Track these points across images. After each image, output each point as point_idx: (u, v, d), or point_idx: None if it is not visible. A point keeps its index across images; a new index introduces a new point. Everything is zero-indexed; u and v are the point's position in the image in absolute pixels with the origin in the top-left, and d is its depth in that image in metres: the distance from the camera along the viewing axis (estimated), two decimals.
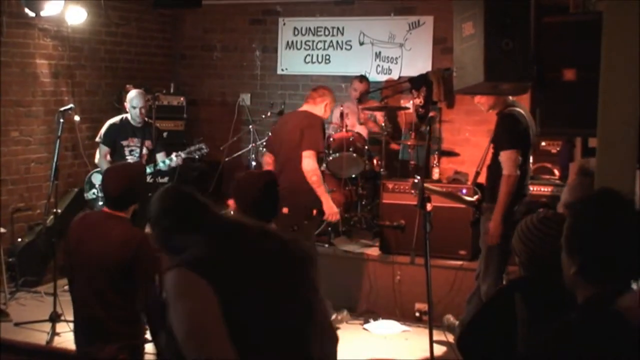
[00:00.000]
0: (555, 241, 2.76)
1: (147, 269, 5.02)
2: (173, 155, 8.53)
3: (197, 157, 8.80)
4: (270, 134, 8.62)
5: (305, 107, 7.85)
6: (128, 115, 8.75)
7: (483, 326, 3.72)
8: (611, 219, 2.59)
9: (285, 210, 7.35)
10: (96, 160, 8.80)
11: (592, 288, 2.56)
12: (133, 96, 8.71)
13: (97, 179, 8.63)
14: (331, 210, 7.60)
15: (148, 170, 8.47)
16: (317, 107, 7.77)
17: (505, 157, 6.84)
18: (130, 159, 8.56)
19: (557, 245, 2.72)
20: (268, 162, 7.94)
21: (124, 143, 8.68)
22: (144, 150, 8.71)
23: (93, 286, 5.11)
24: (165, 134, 9.92)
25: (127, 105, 8.73)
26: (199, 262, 3.06)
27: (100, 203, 8.53)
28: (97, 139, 8.85)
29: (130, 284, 5.01)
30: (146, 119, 8.75)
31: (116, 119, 8.82)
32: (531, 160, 8.57)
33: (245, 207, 4.92)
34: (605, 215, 2.61)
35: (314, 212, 7.59)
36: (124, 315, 5.08)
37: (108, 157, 8.65)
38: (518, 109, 6.91)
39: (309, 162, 7.45)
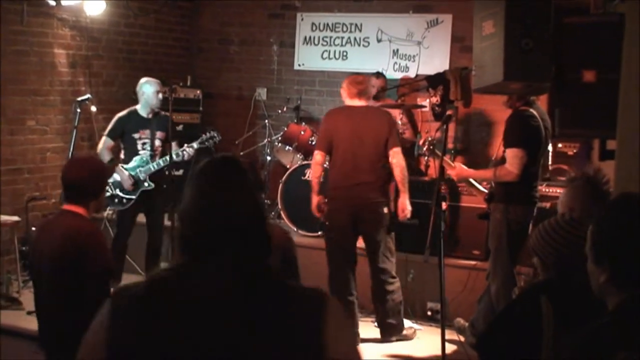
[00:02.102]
0: (584, 243, 2.72)
1: (94, 268, 4.63)
2: (185, 147, 8.47)
3: (210, 145, 8.69)
4: None
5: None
6: (137, 107, 8.65)
7: (505, 327, 3.68)
8: (637, 222, 2.54)
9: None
10: (98, 150, 8.63)
11: (622, 294, 2.52)
12: (149, 82, 8.63)
13: None
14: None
15: (161, 162, 8.48)
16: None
17: (510, 154, 6.80)
18: (142, 152, 8.52)
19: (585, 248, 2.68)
20: None
21: (135, 136, 8.57)
22: (157, 142, 8.62)
23: (40, 289, 4.92)
24: (181, 127, 9.98)
25: (142, 92, 8.60)
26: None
27: (116, 200, 8.52)
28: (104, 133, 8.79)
29: (75, 289, 4.62)
30: (155, 109, 8.68)
31: (124, 112, 8.71)
32: (550, 162, 8.57)
33: None
34: (631, 219, 2.55)
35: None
36: (62, 328, 4.65)
37: (121, 151, 8.66)
38: (531, 110, 6.87)
39: None
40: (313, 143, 9.60)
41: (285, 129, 9.85)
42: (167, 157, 8.43)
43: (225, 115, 11.96)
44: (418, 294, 8.27)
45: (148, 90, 8.57)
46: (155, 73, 10.87)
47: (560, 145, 8.98)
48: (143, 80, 8.71)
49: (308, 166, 9.22)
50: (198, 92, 11.08)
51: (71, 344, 4.60)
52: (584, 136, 7.39)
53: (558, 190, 7.93)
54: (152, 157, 8.53)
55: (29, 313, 7.67)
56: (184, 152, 8.41)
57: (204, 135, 8.59)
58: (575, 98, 4.83)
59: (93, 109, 9.64)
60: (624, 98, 3.94)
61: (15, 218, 8.65)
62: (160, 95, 8.58)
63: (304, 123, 10.11)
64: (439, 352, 6.04)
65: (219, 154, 2.66)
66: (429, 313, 8.22)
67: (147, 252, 8.79)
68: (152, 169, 8.48)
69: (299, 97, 10.91)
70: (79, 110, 8.48)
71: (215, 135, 8.56)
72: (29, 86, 9.28)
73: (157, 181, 8.57)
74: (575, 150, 8.82)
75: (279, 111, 10.73)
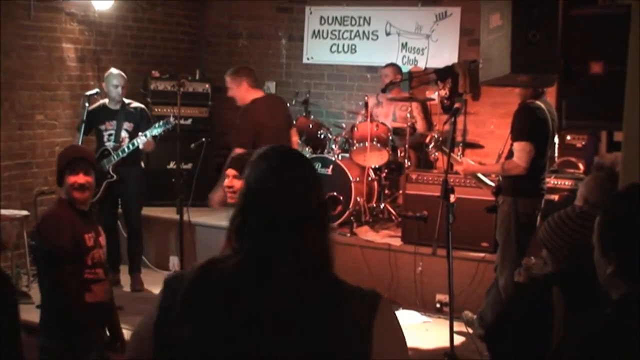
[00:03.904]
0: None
1: (42, 248, 5.28)
2: (140, 135, 8.44)
3: (161, 133, 8.55)
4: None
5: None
6: (106, 100, 8.74)
7: (516, 319, 3.66)
8: None
9: None
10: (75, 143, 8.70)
11: (627, 286, 2.49)
12: (112, 75, 8.68)
13: None
14: None
15: (120, 153, 8.47)
16: None
17: (518, 147, 6.82)
18: (108, 144, 8.57)
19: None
20: None
21: (102, 127, 8.66)
22: (123, 133, 8.64)
23: None
24: (190, 120, 10.00)
25: (105, 85, 8.68)
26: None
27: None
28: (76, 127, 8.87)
29: (39, 270, 5.50)
30: (125, 100, 8.73)
31: (94, 105, 8.76)
32: (556, 154, 8.55)
33: None
34: (639, 211, 2.52)
35: None
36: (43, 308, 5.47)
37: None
38: (538, 102, 6.87)
39: None
40: (322, 136, 9.62)
41: (294, 122, 9.85)
42: (125, 148, 8.44)
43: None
44: (426, 287, 8.27)
45: (107, 83, 8.68)
46: (164, 67, 10.94)
47: (568, 137, 8.97)
48: (111, 72, 8.78)
49: (317, 159, 9.22)
50: (207, 86, 11.07)
51: (44, 323, 5.24)
52: (591, 128, 7.36)
53: (566, 183, 7.93)
54: (116, 148, 8.54)
55: (39, 307, 7.68)
56: (137, 141, 8.37)
57: (156, 124, 8.49)
58: (583, 90, 4.82)
59: None
60: (631, 89, 3.93)
61: (25, 212, 8.67)
62: (120, 90, 8.63)
63: (312, 116, 10.11)
64: (447, 344, 6.05)
65: (274, 145, 2.52)
66: (438, 305, 8.21)
67: (129, 242, 8.97)
68: (113, 159, 8.49)
69: (307, 90, 10.90)
70: (87, 104, 8.49)
71: (168, 122, 8.43)
72: (37, 81, 9.30)
73: (123, 172, 8.60)
74: (583, 143, 8.81)
75: (288, 105, 10.72)
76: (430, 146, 7.69)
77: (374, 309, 2.32)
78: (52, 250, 5.17)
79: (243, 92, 8.10)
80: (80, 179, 5.34)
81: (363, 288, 2.38)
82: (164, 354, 2.34)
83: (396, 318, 2.43)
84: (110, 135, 8.64)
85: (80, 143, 8.43)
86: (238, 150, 7.41)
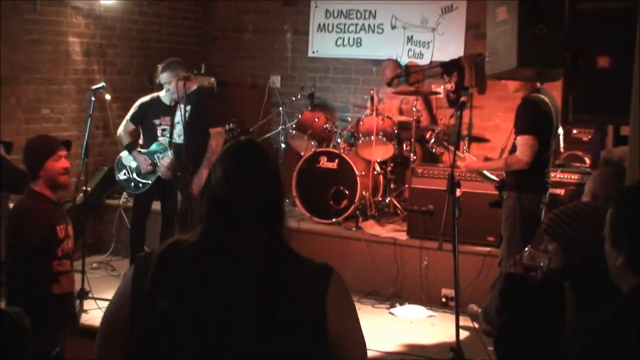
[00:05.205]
0: None
1: (13, 243, 5.32)
2: None
3: (228, 138, 8.71)
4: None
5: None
6: (161, 94, 8.64)
7: (527, 316, 3.64)
8: None
9: None
10: (117, 133, 8.77)
11: (637, 278, 2.49)
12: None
13: (127, 160, 8.62)
14: None
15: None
16: None
17: (521, 141, 6.82)
18: (162, 138, 8.53)
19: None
20: None
21: (156, 122, 8.58)
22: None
23: None
24: None
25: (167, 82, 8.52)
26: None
27: (132, 184, 8.58)
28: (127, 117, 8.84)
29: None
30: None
31: (146, 98, 8.72)
32: (562, 147, 8.54)
33: None
34: None
35: None
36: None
37: (140, 136, 8.78)
38: (541, 96, 6.86)
39: None
40: (327, 130, 9.61)
41: (300, 116, 9.84)
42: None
43: (239, 103, 11.96)
44: (432, 281, 8.28)
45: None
46: None
47: (575, 131, 8.96)
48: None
49: (322, 153, 9.23)
50: (212, 80, 11.10)
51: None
52: (597, 122, 7.36)
53: (572, 177, 7.91)
54: (170, 144, 8.53)
55: None
56: None
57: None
58: (589, 84, 4.81)
59: (107, 97, 9.68)
60: (637, 83, 3.92)
61: None
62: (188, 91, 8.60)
63: (318, 110, 10.10)
64: (453, 338, 6.04)
65: (243, 138, 2.92)
66: (443, 300, 8.22)
67: (162, 240, 8.85)
68: (171, 156, 8.47)
69: (313, 84, 10.90)
70: (93, 98, 8.48)
71: (233, 127, 8.59)
72: (43, 75, 9.30)
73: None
74: (590, 137, 8.80)
75: (293, 99, 10.72)
76: (431, 141, 7.69)
77: (328, 277, 2.63)
78: (23, 244, 5.22)
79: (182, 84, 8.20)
80: (65, 163, 5.52)
81: (316, 260, 2.67)
82: (141, 327, 2.58)
83: (347, 288, 2.72)
84: (164, 130, 8.56)
85: (124, 130, 8.67)
86: (220, 129, 8.36)
